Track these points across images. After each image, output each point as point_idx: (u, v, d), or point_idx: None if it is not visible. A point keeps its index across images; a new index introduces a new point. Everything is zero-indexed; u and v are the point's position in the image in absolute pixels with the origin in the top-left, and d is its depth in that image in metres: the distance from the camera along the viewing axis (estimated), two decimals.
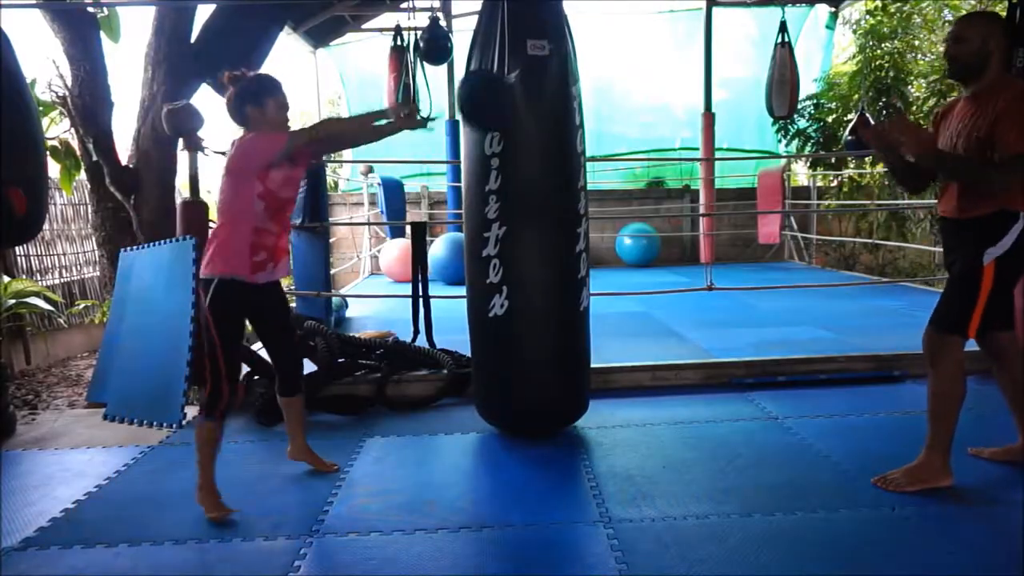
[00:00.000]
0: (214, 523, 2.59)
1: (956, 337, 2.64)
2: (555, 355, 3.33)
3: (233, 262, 2.67)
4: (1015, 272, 2.60)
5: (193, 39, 4.73)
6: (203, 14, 4.81)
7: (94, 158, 4.65)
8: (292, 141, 2.63)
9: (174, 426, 3.63)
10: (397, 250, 8.80)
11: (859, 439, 3.27)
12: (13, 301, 5.10)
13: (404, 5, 7.98)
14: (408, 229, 5.08)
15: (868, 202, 9.99)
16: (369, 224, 9.79)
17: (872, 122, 8.13)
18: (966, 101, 2.68)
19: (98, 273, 6.46)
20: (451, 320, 4.50)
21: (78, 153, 4.97)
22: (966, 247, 2.62)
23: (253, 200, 2.65)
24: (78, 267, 6.72)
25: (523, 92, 3.12)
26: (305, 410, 3.08)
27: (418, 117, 2.79)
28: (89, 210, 5.55)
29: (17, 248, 5.75)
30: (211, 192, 9.19)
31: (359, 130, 2.94)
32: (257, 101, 2.65)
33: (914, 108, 9.61)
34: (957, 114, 2.70)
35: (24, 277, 5.74)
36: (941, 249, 8.56)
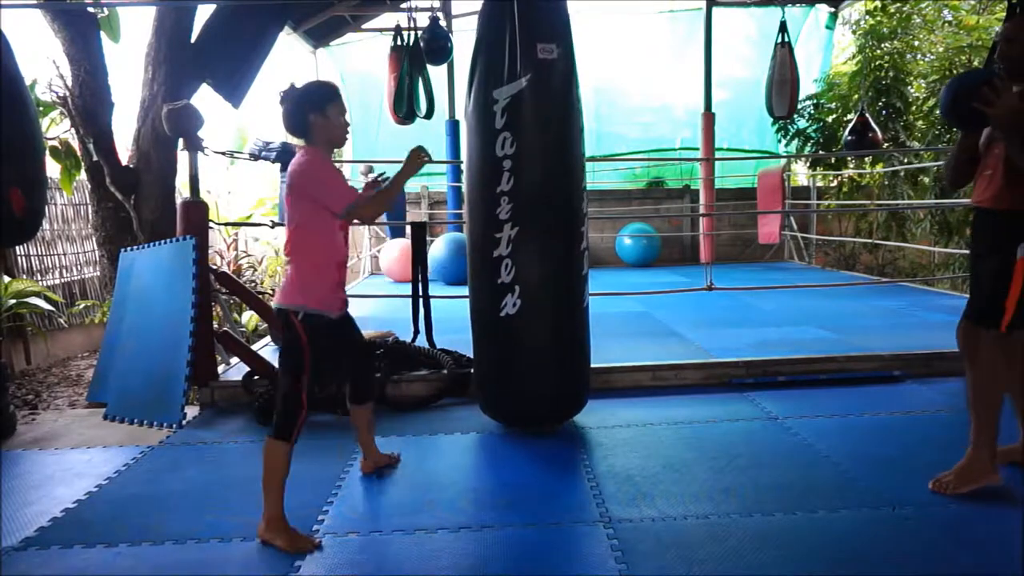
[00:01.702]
0: (297, 553, 2.37)
1: (992, 331, 2.62)
2: (565, 350, 3.40)
3: (321, 297, 2.57)
4: None
5: (193, 39, 4.73)
6: (203, 14, 4.82)
7: (94, 158, 4.66)
8: (353, 208, 2.56)
9: (174, 426, 3.65)
10: (397, 250, 8.81)
11: (859, 439, 3.27)
12: (13, 301, 5.11)
13: (404, 5, 7.97)
14: (408, 229, 5.08)
15: (868, 202, 9.99)
16: (369, 224, 9.78)
17: (872, 123, 8.14)
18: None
19: (98, 273, 6.47)
20: (451, 320, 4.50)
21: (78, 153, 4.97)
22: (999, 240, 2.60)
23: (336, 232, 2.59)
24: (78, 267, 6.72)
25: (535, 96, 3.18)
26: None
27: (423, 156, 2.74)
28: (89, 210, 5.56)
29: (17, 248, 5.76)
30: (211, 192, 9.23)
31: (390, 204, 2.78)
32: (319, 107, 2.57)
33: (914, 108, 9.62)
34: None
35: (24, 277, 5.74)
36: (941, 249, 8.53)
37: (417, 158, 2.72)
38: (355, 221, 2.70)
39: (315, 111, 2.57)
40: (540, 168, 3.24)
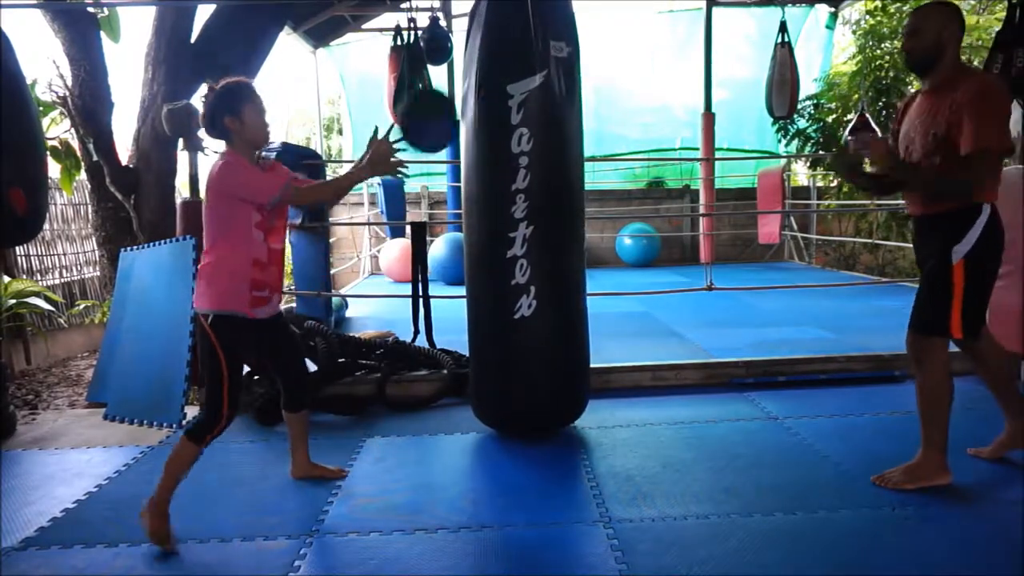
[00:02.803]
0: (154, 543, 2.42)
1: (937, 338, 2.64)
2: (576, 351, 3.39)
3: (229, 298, 2.53)
4: (987, 266, 2.59)
5: (193, 39, 4.73)
6: (203, 14, 4.82)
7: (94, 158, 4.66)
8: (282, 194, 2.54)
9: (174, 426, 3.65)
10: (397, 250, 8.81)
11: (859, 439, 3.27)
12: (13, 301, 5.10)
13: (404, 5, 7.97)
14: (408, 229, 5.09)
15: (868, 202, 9.98)
16: (369, 224, 9.79)
17: (873, 123, 8.14)
18: (924, 96, 2.68)
19: (98, 273, 6.47)
20: (451, 320, 4.50)
21: (78, 153, 4.98)
22: (933, 245, 2.62)
23: (251, 230, 2.54)
24: (78, 267, 6.72)
25: (550, 92, 3.15)
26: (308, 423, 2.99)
27: (392, 158, 2.63)
28: (89, 210, 5.56)
29: (17, 248, 5.75)
30: None
31: (338, 193, 2.75)
32: (233, 110, 2.52)
33: None
34: (915, 109, 2.70)
35: (24, 277, 5.74)
36: None
37: (379, 154, 2.60)
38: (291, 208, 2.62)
39: (230, 114, 2.52)
40: (555, 165, 3.22)
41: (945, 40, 2.58)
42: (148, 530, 2.44)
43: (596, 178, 11.29)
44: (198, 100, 4.64)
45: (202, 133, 4.14)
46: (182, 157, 4.37)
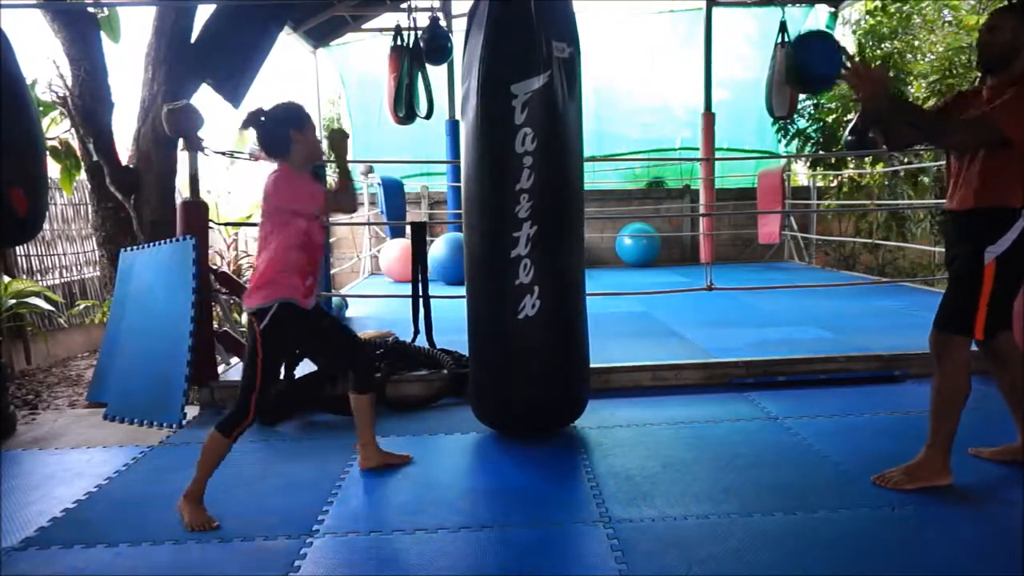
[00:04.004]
0: (195, 530, 2.54)
1: (960, 337, 2.63)
2: (577, 351, 3.40)
3: (288, 289, 2.71)
4: (1017, 271, 2.59)
5: (193, 39, 4.73)
6: (203, 14, 4.82)
7: (94, 158, 4.65)
8: (326, 204, 2.79)
9: (174, 426, 3.65)
10: (397, 250, 8.80)
11: (859, 439, 3.27)
12: (13, 301, 5.11)
13: (404, 5, 7.97)
14: (408, 229, 5.09)
15: (868, 202, 9.99)
16: (369, 224, 9.79)
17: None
18: (987, 90, 2.65)
19: (98, 273, 6.47)
20: (451, 320, 4.49)
21: (78, 153, 4.97)
22: (966, 244, 2.61)
23: (301, 235, 2.73)
24: (78, 267, 6.72)
25: (554, 92, 3.16)
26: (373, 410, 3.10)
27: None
28: (89, 210, 5.56)
29: (17, 248, 5.76)
30: (211, 192, 9.23)
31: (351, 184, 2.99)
32: (300, 127, 2.72)
33: None
34: (973, 103, 2.66)
35: (24, 277, 5.75)
36: (941, 249, 8.54)
37: (336, 139, 2.87)
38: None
39: (297, 130, 2.71)
40: (558, 165, 3.22)
41: (1021, 43, 2.55)
42: (187, 521, 2.57)
43: (596, 178, 11.29)
44: (198, 100, 4.66)
45: (203, 132, 4.15)
46: (182, 157, 4.37)
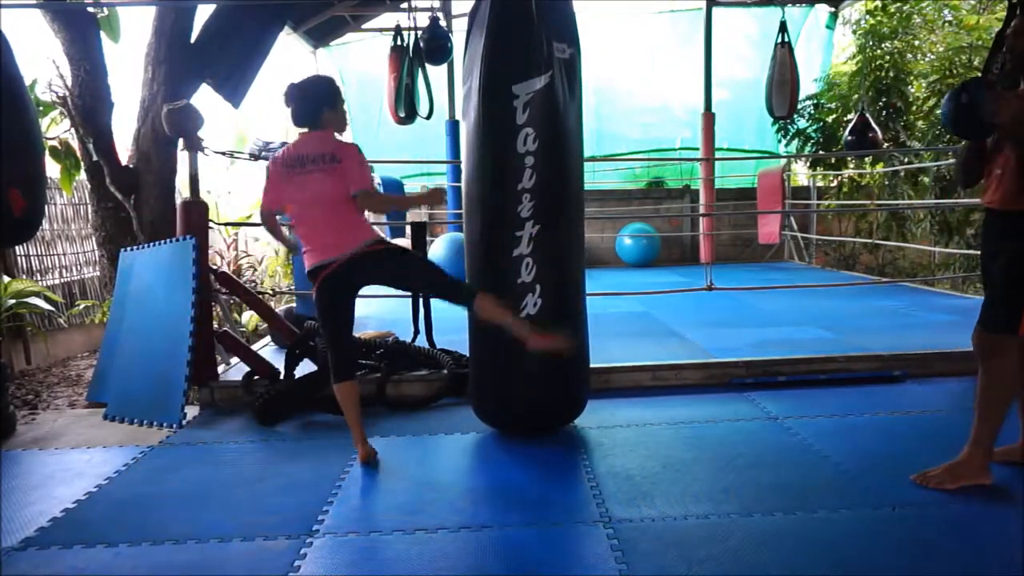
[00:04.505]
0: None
1: (1009, 337, 2.59)
2: (577, 350, 3.39)
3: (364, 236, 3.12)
4: None
5: (193, 39, 4.73)
6: (203, 14, 4.82)
7: (94, 158, 4.66)
8: (365, 194, 3.07)
9: (174, 426, 3.65)
10: None
11: (859, 439, 3.27)
12: (13, 301, 5.10)
13: (404, 5, 7.97)
14: (408, 229, 5.08)
15: (868, 202, 9.99)
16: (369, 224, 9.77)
17: (872, 123, 8.14)
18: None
19: (98, 273, 6.47)
20: (451, 320, 4.49)
21: (78, 153, 4.97)
22: (1010, 243, 2.57)
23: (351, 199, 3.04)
24: (78, 267, 6.72)
25: (555, 92, 3.17)
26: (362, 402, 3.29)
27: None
28: (89, 210, 5.56)
29: (17, 248, 5.75)
30: (211, 192, 9.22)
31: (398, 206, 3.27)
32: (332, 103, 3.00)
33: (914, 108, 9.61)
34: None
35: (24, 277, 5.74)
36: (941, 249, 8.52)
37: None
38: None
39: (329, 106, 2.99)
40: (559, 165, 3.24)
41: None
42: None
43: (596, 178, 11.30)
44: (198, 100, 4.66)
45: (202, 132, 4.15)
46: (182, 157, 4.37)
